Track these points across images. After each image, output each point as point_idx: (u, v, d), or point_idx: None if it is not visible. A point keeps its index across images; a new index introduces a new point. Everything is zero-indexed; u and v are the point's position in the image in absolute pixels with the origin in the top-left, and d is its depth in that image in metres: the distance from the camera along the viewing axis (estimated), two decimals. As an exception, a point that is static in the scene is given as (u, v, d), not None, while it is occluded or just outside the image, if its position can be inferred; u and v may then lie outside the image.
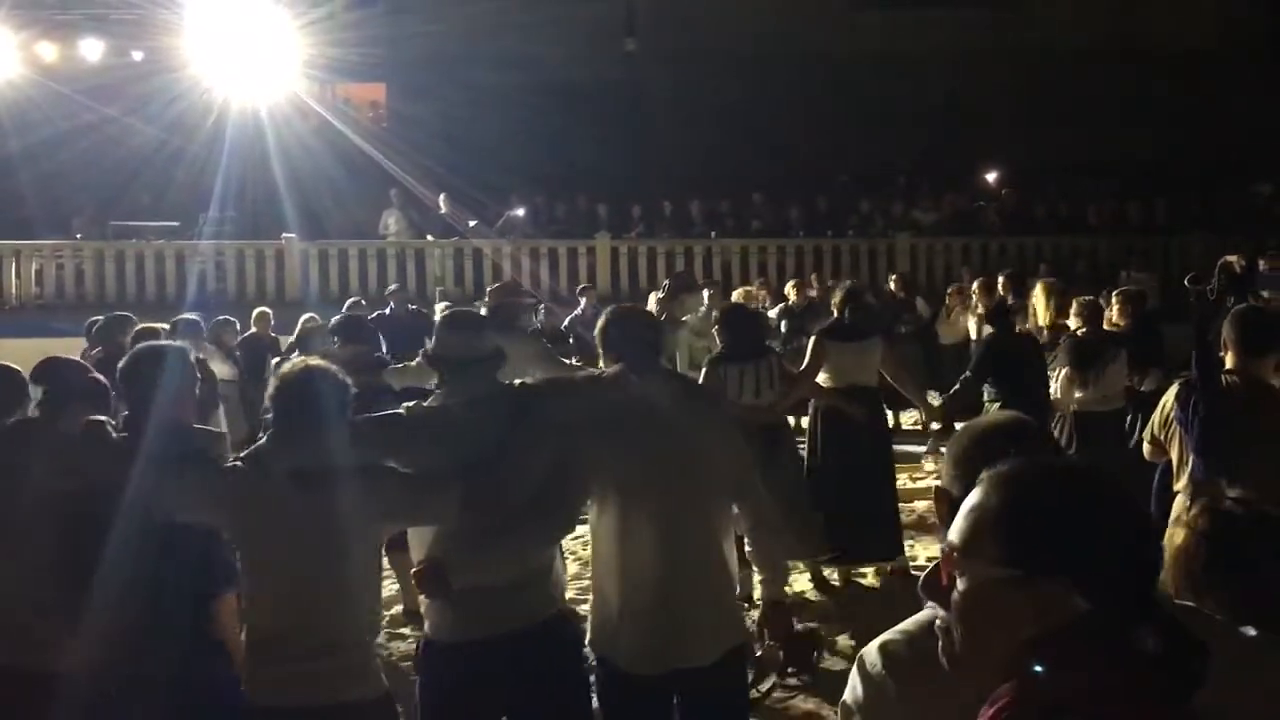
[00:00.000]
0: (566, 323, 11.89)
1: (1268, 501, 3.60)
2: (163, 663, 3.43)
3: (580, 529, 3.81)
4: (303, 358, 3.91)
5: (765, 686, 5.13)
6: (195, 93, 15.69)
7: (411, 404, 3.64)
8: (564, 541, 6.27)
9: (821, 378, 7.21)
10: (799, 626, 3.73)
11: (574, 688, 3.60)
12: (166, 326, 8.72)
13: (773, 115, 18.82)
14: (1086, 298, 7.99)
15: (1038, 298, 9.63)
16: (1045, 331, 8.68)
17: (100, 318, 8.78)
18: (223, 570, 3.51)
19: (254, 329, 11.38)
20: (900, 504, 7.95)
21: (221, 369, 9.55)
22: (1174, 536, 2.24)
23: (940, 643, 1.39)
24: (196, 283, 15.94)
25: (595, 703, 3.65)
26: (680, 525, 3.40)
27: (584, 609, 3.88)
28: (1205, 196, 18.23)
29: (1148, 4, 19.75)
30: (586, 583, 4.57)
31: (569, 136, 18.18)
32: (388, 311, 12.33)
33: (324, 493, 3.19)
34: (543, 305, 12.04)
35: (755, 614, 4.01)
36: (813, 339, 7.36)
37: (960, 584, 1.36)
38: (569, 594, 6.02)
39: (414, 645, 4.39)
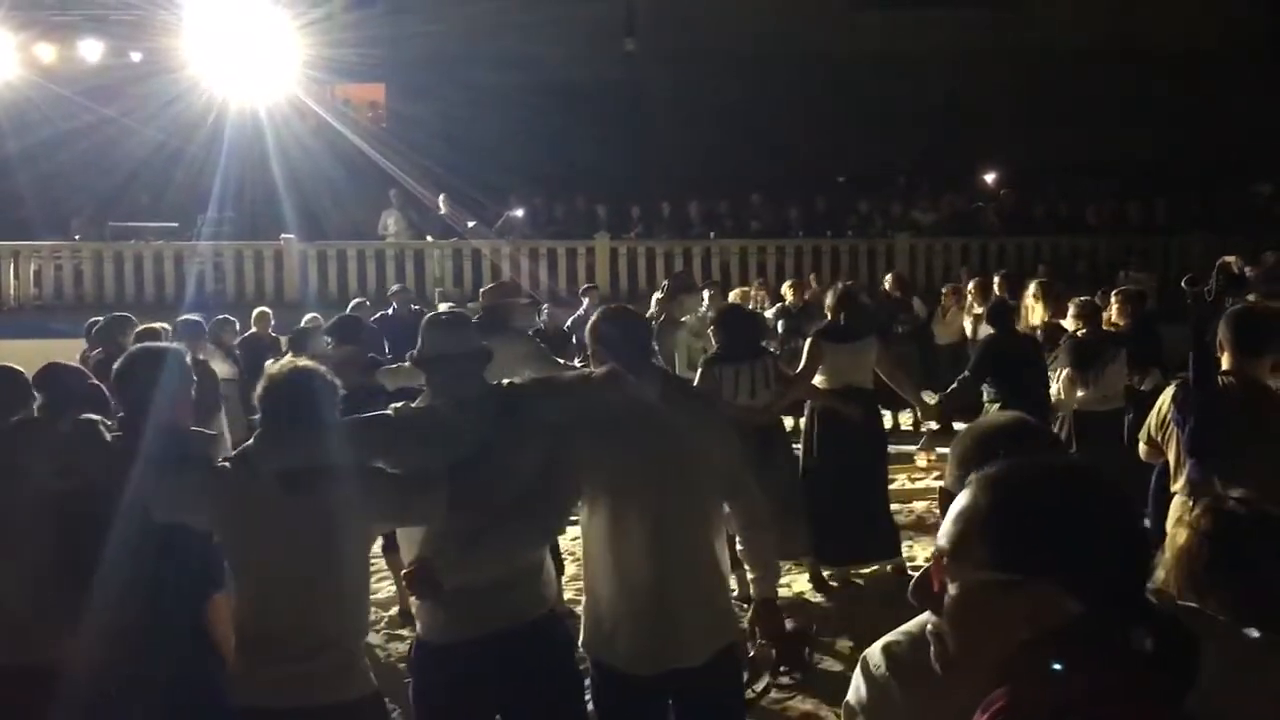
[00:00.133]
0: (569, 323, 11.88)
1: (1266, 502, 3.61)
2: (163, 663, 3.44)
3: (576, 530, 3.80)
4: (291, 358, 3.91)
5: (759, 686, 5.13)
6: (194, 94, 15.67)
7: (399, 405, 3.63)
8: (563, 542, 6.33)
9: (817, 379, 7.22)
10: (790, 625, 3.70)
11: (565, 687, 3.60)
12: (169, 327, 8.74)
13: (773, 115, 18.82)
14: (1084, 298, 7.99)
15: (1030, 298, 9.65)
16: (1040, 331, 8.68)
17: (100, 319, 8.80)
18: (215, 571, 3.51)
19: (254, 329, 11.39)
20: (899, 504, 7.95)
21: (221, 368, 9.56)
22: (1176, 537, 2.23)
23: (933, 648, 1.38)
24: (195, 284, 15.95)
25: (590, 705, 3.64)
26: (673, 525, 3.40)
27: (581, 609, 3.87)
28: (1205, 196, 18.23)
29: (1148, 4, 19.75)
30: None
31: (569, 137, 18.18)
32: (390, 312, 12.35)
33: (312, 493, 3.19)
34: (545, 306, 12.04)
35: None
36: (809, 340, 7.37)
37: (951, 589, 1.35)
38: (567, 595, 6.06)
39: (410, 647, 4.39)
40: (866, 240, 17.62)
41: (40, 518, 3.50)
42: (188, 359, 3.94)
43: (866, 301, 11.81)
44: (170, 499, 3.29)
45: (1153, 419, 4.46)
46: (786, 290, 12.38)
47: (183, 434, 3.64)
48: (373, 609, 6.56)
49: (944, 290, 13.50)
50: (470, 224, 16.38)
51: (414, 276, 16.37)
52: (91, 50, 16.67)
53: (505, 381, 3.71)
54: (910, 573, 7.08)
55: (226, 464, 3.37)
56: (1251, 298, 7.82)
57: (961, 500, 1.39)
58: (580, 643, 3.62)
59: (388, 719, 3.82)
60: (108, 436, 3.53)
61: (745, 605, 5.34)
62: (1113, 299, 8.48)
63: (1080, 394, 7.42)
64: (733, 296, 12.18)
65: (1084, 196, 18.38)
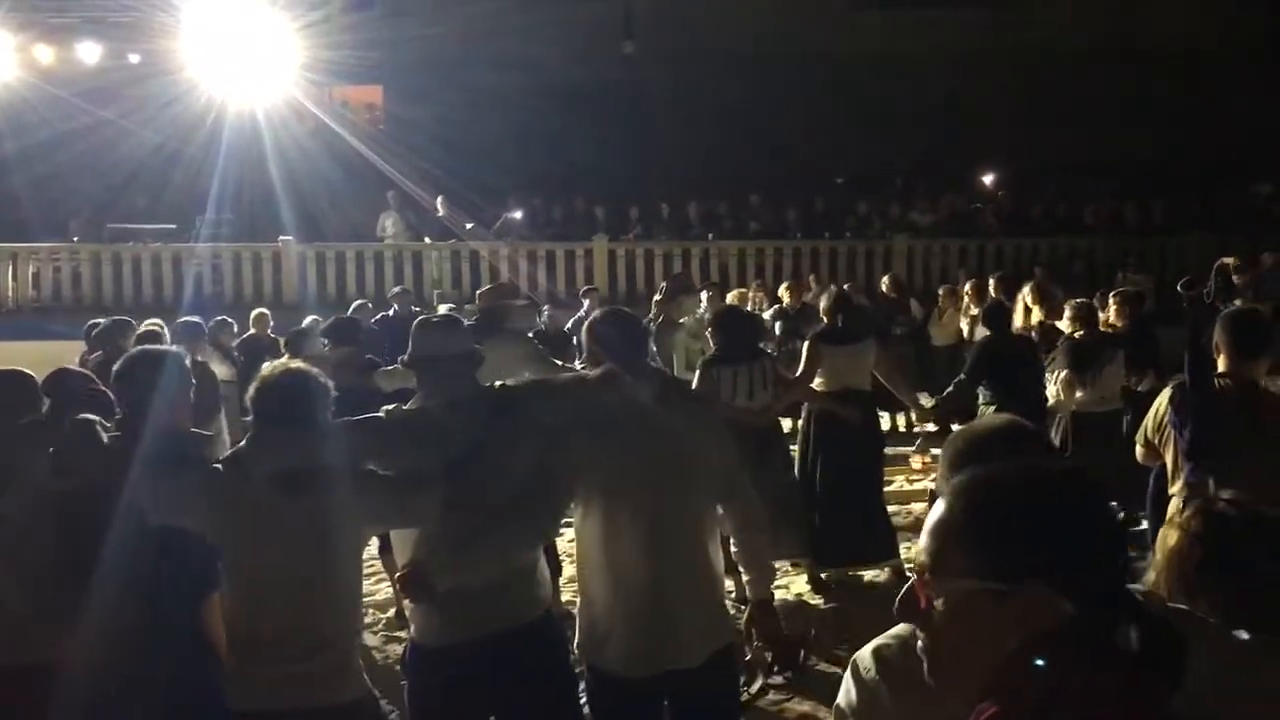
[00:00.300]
0: (570, 324, 11.86)
1: (1262, 503, 3.60)
2: (163, 663, 3.44)
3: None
4: (283, 360, 3.91)
5: (755, 688, 5.12)
6: (192, 95, 15.69)
7: (391, 407, 3.63)
8: (560, 544, 6.32)
9: (816, 381, 7.22)
10: (787, 628, 3.69)
11: (561, 688, 3.60)
12: (160, 322, 8.74)
13: (772, 115, 18.82)
14: (1081, 300, 7.99)
15: (1024, 299, 9.65)
16: (1035, 333, 8.69)
17: (100, 321, 8.80)
18: (213, 571, 3.51)
19: (253, 330, 11.39)
20: (897, 506, 7.94)
21: (220, 370, 9.56)
22: (1167, 538, 2.22)
23: (925, 665, 1.37)
24: (194, 285, 15.94)
25: (585, 708, 3.63)
26: (670, 526, 3.39)
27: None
28: (1205, 197, 18.23)
29: (1148, 4, 19.76)
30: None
31: (568, 137, 18.18)
32: (391, 313, 12.35)
33: (304, 495, 3.20)
34: (546, 307, 12.03)
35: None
36: (807, 343, 7.37)
37: (938, 603, 1.34)
38: (565, 596, 6.06)
39: (404, 649, 4.39)
40: (864, 242, 17.62)
41: (40, 518, 3.50)
42: (187, 361, 3.95)
43: (864, 303, 11.82)
44: (166, 501, 3.28)
45: (1149, 421, 4.45)
46: (784, 292, 12.37)
47: (180, 435, 3.64)
48: (370, 611, 6.58)
49: (940, 291, 13.49)
50: (468, 226, 16.38)
51: (412, 278, 16.36)
52: (90, 52, 16.70)
53: (499, 383, 3.70)
54: (909, 574, 7.08)
55: (219, 466, 3.36)
56: (1239, 303, 7.84)
57: (936, 513, 1.38)
58: (575, 645, 3.62)
59: (384, 720, 3.82)
60: (105, 437, 3.53)
61: (742, 606, 5.35)
62: (1111, 300, 8.48)
63: (1078, 395, 7.42)
64: (731, 298, 12.17)
65: (1084, 197, 18.39)
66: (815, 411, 7.31)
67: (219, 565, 3.44)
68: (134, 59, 16.72)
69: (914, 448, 7.52)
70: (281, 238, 16.41)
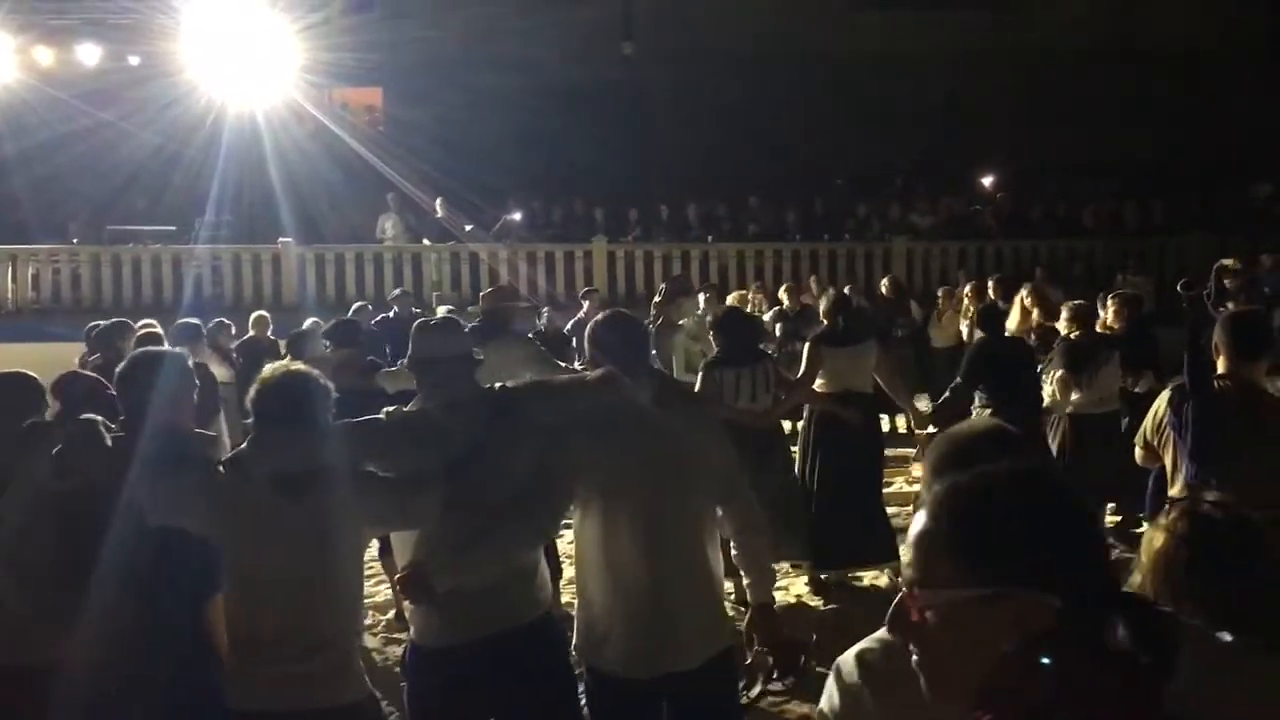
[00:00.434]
0: (569, 326, 11.86)
1: (1262, 505, 3.59)
2: (162, 663, 3.44)
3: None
4: (284, 362, 3.92)
5: (754, 693, 5.11)
6: (192, 97, 15.71)
7: (391, 409, 3.63)
8: (560, 545, 6.31)
9: (817, 383, 7.21)
10: (788, 632, 3.69)
11: (561, 689, 3.60)
12: (153, 322, 8.75)
13: (772, 116, 18.83)
14: (1078, 302, 7.98)
15: (1022, 301, 9.64)
16: (1034, 335, 8.68)
17: (99, 323, 8.79)
18: (216, 572, 3.50)
19: (252, 332, 11.38)
20: (897, 508, 7.93)
21: (219, 372, 9.54)
22: (1153, 540, 2.22)
23: (922, 680, 1.37)
24: (193, 287, 15.95)
25: (585, 710, 3.63)
26: (669, 526, 3.39)
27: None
28: (1205, 197, 18.23)
29: (1148, 4, 19.77)
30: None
31: (568, 138, 18.19)
32: (391, 315, 12.34)
33: (305, 497, 3.20)
34: (545, 309, 12.03)
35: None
36: (808, 345, 7.36)
37: (930, 614, 1.34)
38: (564, 598, 6.05)
39: (404, 650, 4.39)
40: (864, 244, 17.63)
41: (40, 518, 3.50)
42: (190, 362, 3.96)
43: (864, 305, 11.82)
44: (165, 501, 3.28)
45: (1149, 423, 4.44)
46: (783, 294, 12.37)
47: (183, 436, 3.65)
48: (369, 612, 6.57)
49: (940, 294, 13.49)
50: (467, 228, 16.38)
51: (412, 280, 16.37)
52: (89, 54, 16.71)
53: (499, 384, 3.70)
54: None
55: (220, 468, 3.36)
56: (1230, 305, 7.84)
57: (918, 525, 1.38)
58: (573, 647, 3.62)
59: (384, 722, 3.81)
60: (108, 438, 3.53)
61: (741, 608, 5.33)
62: (1109, 302, 8.47)
63: (1074, 396, 7.41)
64: (730, 300, 12.17)
65: (1084, 197, 18.40)
66: (816, 413, 7.31)
67: (221, 566, 3.44)
68: (134, 61, 16.73)
69: (915, 455, 7.49)
70: (281, 240, 16.42)
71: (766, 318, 11.87)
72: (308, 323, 9.88)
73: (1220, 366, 4.21)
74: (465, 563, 3.29)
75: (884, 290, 13.68)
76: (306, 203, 16.31)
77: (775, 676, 3.74)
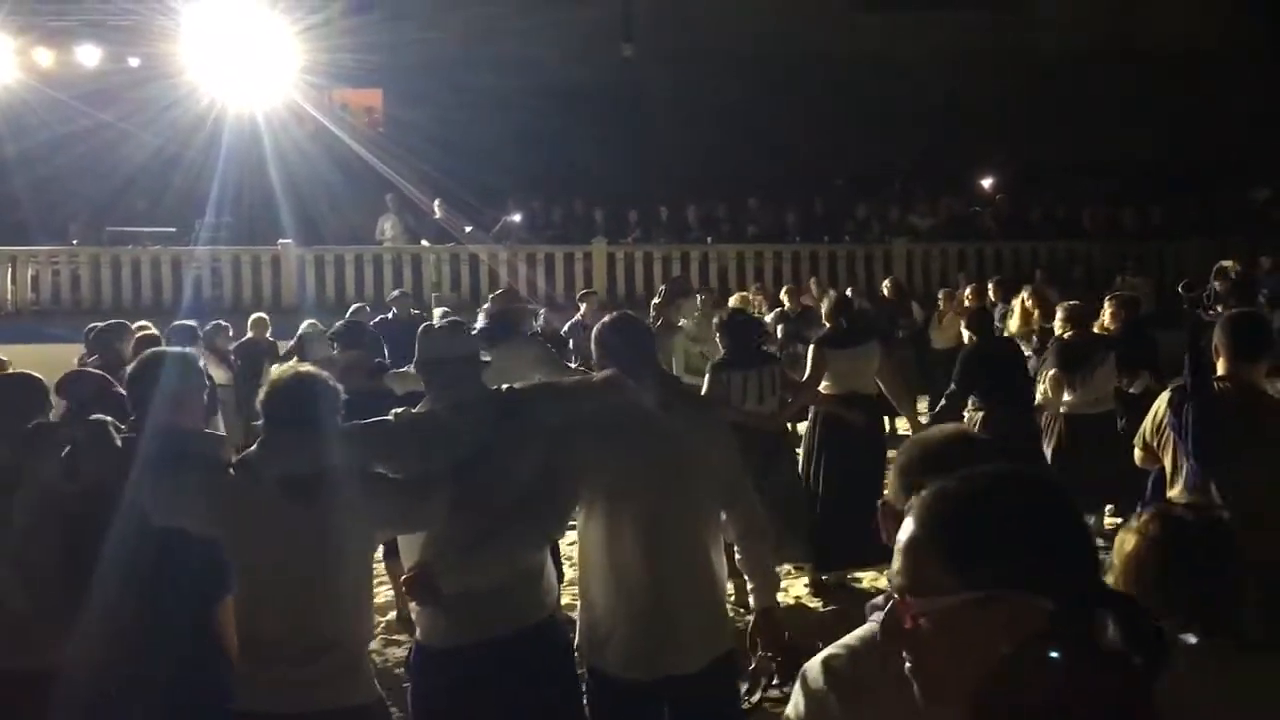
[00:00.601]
0: (566, 327, 11.85)
1: (1261, 506, 3.59)
2: (163, 663, 3.43)
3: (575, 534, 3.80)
4: (293, 363, 3.92)
5: (756, 698, 5.10)
6: (192, 99, 15.71)
7: (399, 410, 3.64)
8: (562, 547, 6.31)
9: (821, 385, 7.22)
10: (789, 638, 3.68)
11: (566, 690, 3.60)
12: (148, 324, 8.74)
13: (772, 116, 18.83)
14: (1073, 302, 7.97)
15: (1022, 303, 9.63)
16: (1033, 336, 8.67)
17: (99, 324, 8.78)
18: (226, 574, 3.50)
19: (251, 334, 11.38)
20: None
21: (217, 374, 9.53)
22: (1124, 543, 2.23)
23: (916, 688, 1.36)
24: (193, 288, 15.95)
25: (587, 712, 3.63)
26: (671, 528, 3.40)
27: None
28: (1204, 199, 18.23)
29: (1148, 4, 19.77)
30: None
31: (568, 138, 18.19)
32: (390, 316, 12.33)
33: (314, 499, 3.20)
34: (542, 310, 12.01)
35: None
36: (812, 347, 7.37)
37: (924, 621, 1.33)
38: (564, 599, 6.04)
39: (409, 651, 4.39)
40: (864, 245, 17.63)
41: (45, 519, 3.51)
42: (201, 363, 3.96)
43: (866, 306, 11.81)
44: (165, 501, 3.29)
45: (1148, 424, 4.43)
46: (784, 295, 12.37)
47: (188, 435, 3.64)
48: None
49: (940, 295, 13.49)
50: (467, 229, 16.38)
51: (411, 281, 16.36)
52: (89, 55, 16.70)
53: (505, 386, 3.71)
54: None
55: (230, 469, 3.37)
56: (1220, 309, 7.84)
57: (906, 531, 1.37)
58: (575, 647, 3.62)
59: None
60: (117, 439, 3.53)
61: (741, 610, 5.33)
62: (1106, 304, 8.46)
63: (1067, 396, 7.41)
64: (732, 302, 12.16)
65: (1083, 198, 18.40)
66: (822, 415, 7.32)
67: (231, 567, 3.43)
68: (134, 62, 16.72)
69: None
70: (281, 241, 16.42)
71: (767, 319, 11.87)
72: (304, 325, 9.87)
73: (1220, 368, 4.20)
74: (472, 564, 3.30)
75: (885, 291, 13.68)
76: (306, 204, 16.30)
77: (777, 682, 3.74)
